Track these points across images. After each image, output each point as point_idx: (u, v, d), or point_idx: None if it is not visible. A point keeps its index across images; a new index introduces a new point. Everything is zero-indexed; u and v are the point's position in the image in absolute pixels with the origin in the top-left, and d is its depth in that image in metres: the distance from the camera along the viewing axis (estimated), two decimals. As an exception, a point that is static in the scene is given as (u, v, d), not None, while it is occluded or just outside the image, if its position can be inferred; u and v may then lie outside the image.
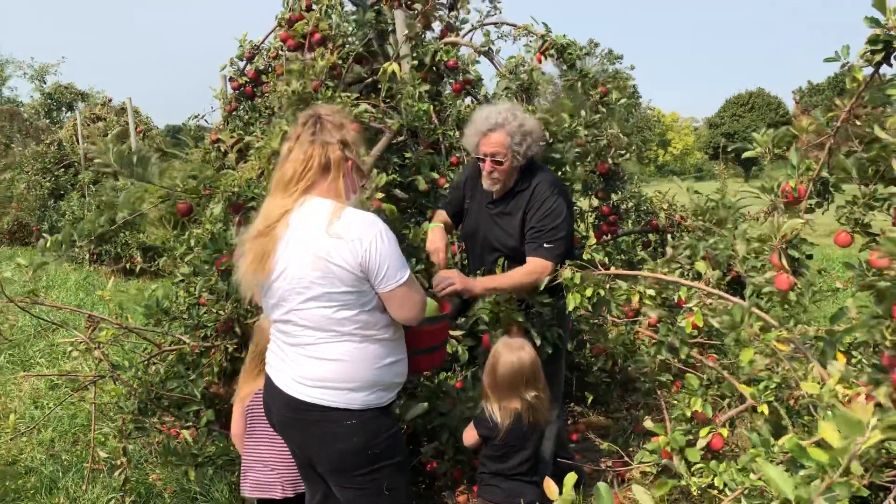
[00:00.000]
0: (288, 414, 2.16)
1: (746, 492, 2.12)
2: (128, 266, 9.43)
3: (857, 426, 1.02)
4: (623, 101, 4.25)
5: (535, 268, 3.01)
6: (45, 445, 4.16)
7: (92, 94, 19.05)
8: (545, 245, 3.03)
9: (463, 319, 3.36)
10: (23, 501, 3.50)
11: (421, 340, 2.38)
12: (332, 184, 2.13)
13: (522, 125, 3.04)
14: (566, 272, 2.82)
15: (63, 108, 20.76)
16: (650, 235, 4.85)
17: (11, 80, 20.96)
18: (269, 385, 2.24)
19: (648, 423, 2.69)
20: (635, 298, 2.69)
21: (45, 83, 20.96)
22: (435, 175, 3.91)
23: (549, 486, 1.46)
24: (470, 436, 2.82)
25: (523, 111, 3.21)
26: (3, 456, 4.06)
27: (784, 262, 1.98)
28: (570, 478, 1.55)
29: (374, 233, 2.05)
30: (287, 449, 2.48)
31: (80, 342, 3.28)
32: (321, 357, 2.10)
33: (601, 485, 1.56)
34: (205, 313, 3.33)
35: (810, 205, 2.07)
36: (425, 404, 3.04)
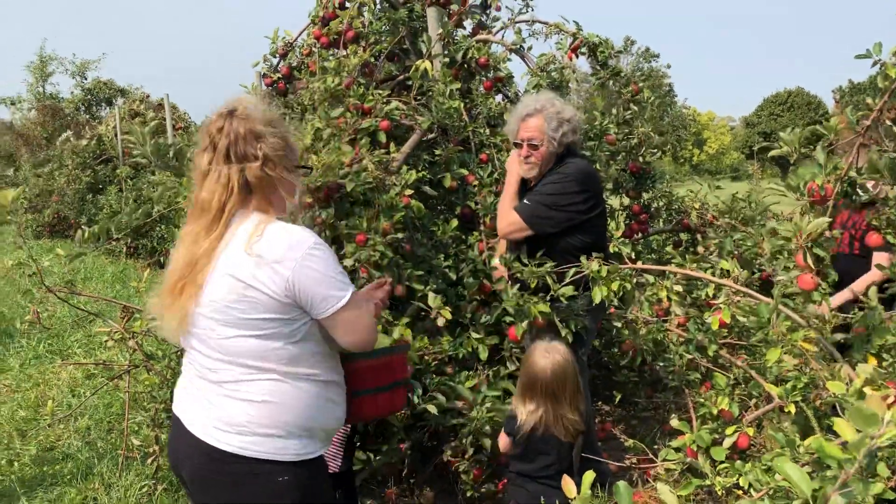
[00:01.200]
0: (207, 468, 1.79)
1: (771, 492, 2.10)
2: (162, 260, 9.60)
3: (871, 419, 1.01)
4: (654, 99, 4.22)
5: (509, 219, 3.14)
6: (81, 433, 4.27)
7: (131, 90, 19.44)
8: (527, 202, 3.11)
9: (487, 317, 3.37)
10: (59, 486, 3.60)
11: (363, 379, 2.03)
12: (260, 201, 1.85)
13: (560, 112, 3.13)
14: (593, 264, 2.82)
15: (102, 104, 21.20)
16: (681, 235, 4.81)
17: (54, 76, 21.39)
18: (179, 430, 1.85)
19: (675, 422, 2.69)
20: (663, 294, 2.69)
21: (85, 79, 21.38)
22: (464, 172, 3.93)
23: (567, 483, 1.47)
24: (501, 437, 2.78)
25: (563, 101, 3.27)
26: (42, 442, 4.17)
27: (809, 261, 1.97)
28: (588, 476, 1.57)
29: (301, 253, 1.74)
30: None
31: (116, 332, 3.37)
32: (243, 398, 1.77)
33: (621, 483, 1.58)
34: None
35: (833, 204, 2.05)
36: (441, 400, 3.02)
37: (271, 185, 1.86)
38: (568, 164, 3.18)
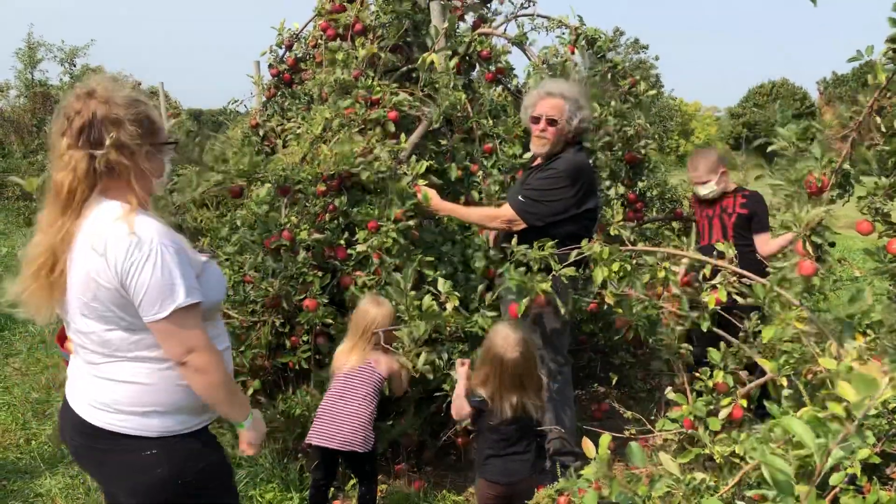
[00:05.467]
0: (81, 441, 1.86)
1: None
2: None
3: (871, 384, 1.16)
4: (652, 91, 4.38)
5: (497, 212, 3.35)
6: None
7: (121, 77, 19.37)
8: (520, 198, 3.27)
9: (490, 293, 3.50)
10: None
11: None
12: (118, 186, 1.80)
13: (578, 100, 3.34)
14: (595, 246, 2.97)
15: (92, 92, 21.05)
16: (674, 223, 4.99)
17: (42, 62, 21.16)
18: (64, 405, 1.92)
19: (671, 394, 2.84)
20: (661, 274, 2.84)
21: (74, 66, 21.23)
22: (468, 163, 4.08)
23: (587, 445, 1.62)
24: (462, 406, 2.79)
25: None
26: (57, 422, 4.28)
27: (808, 249, 2.13)
28: (605, 438, 1.72)
29: (141, 254, 1.72)
30: (352, 406, 2.77)
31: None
32: (111, 378, 1.81)
33: (633, 444, 1.73)
34: (251, 290, 3.52)
35: (832, 196, 2.21)
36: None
37: (129, 170, 1.80)
38: (561, 158, 3.34)
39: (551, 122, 3.29)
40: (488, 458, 2.78)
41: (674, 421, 2.76)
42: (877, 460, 2.05)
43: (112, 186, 1.80)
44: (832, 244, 2.62)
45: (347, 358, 3.02)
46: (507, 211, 3.31)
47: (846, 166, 2.14)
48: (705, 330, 3.06)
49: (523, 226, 3.27)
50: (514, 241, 3.18)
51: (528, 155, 3.92)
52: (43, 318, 1.87)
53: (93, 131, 1.75)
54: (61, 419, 1.95)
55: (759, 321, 2.70)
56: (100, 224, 1.75)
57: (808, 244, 2.26)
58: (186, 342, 1.78)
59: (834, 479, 1.89)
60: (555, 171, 3.31)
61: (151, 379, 1.81)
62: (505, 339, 2.70)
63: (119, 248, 1.71)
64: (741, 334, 2.77)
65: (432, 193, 3.52)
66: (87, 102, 1.76)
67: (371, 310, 3.01)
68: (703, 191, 4.09)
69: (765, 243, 3.98)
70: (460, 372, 2.85)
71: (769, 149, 2.31)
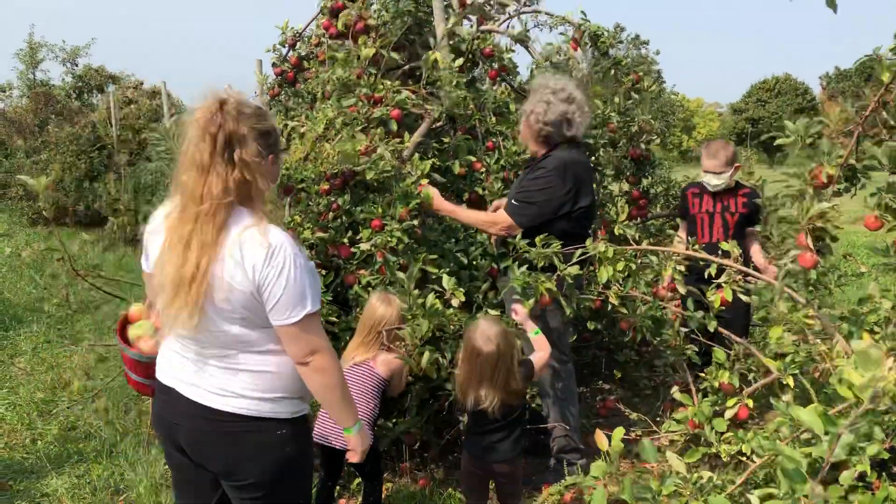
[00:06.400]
0: (204, 426, 1.98)
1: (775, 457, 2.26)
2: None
3: (874, 362, 1.16)
4: (655, 88, 4.37)
5: (496, 218, 3.33)
6: (99, 413, 4.39)
7: (123, 76, 19.36)
8: (514, 202, 3.28)
9: (493, 292, 3.50)
10: (85, 463, 3.74)
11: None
12: (247, 195, 1.93)
13: (543, 94, 3.38)
14: (599, 245, 2.96)
15: (94, 91, 21.09)
16: (678, 219, 4.97)
17: (44, 63, 21.18)
18: (173, 399, 2.03)
19: (677, 394, 2.84)
20: (667, 273, 2.84)
21: (76, 66, 21.23)
22: (472, 159, 4.07)
23: (600, 438, 1.62)
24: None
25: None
26: (62, 422, 4.30)
27: (810, 241, 2.12)
28: (619, 431, 1.72)
29: (278, 261, 1.88)
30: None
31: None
32: (244, 368, 1.97)
33: (646, 441, 1.73)
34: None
35: (838, 189, 2.20)
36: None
37: (256, 180, 1.91)
38: (550, 156, 3.35)
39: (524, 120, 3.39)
40: (470, 434, 2.87)
41: (679, 422, 2.76)
42: (886, 456, 2.04)
43: (241, 195, 1.91)
44: (835, 239, 2.61)
45: (352, 355, 3.02)
46: (505, 218, 3.31)
47: (852, 161, 2.13)
48: (712, 331, 3.05)
49: (520, 230, 3.25)
50: (519, 237, 3.18)
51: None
52: (189, 326, 1.89)
53: (227, 144, 1.86)
54: (166, 413, 2.05)
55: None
56: (235, 232, 1.87)
57: (809, 237, 2.25)
58: (310, 344, 1.94)
59: (844, 476, 1.89)
60: (544, 170, 3.30)
61: (280, 368, 1.99)
62: (482, 333, 2.71)
63: (257, 257, 1.85)
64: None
65: (434, 193, 3.51)
66: (220, 116, 1.86)
67: (379, 308, 3.00)
68: (715, 181, 4.02)
69: (758, 252, 4.00)
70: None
71: (775, 142, 2.30)
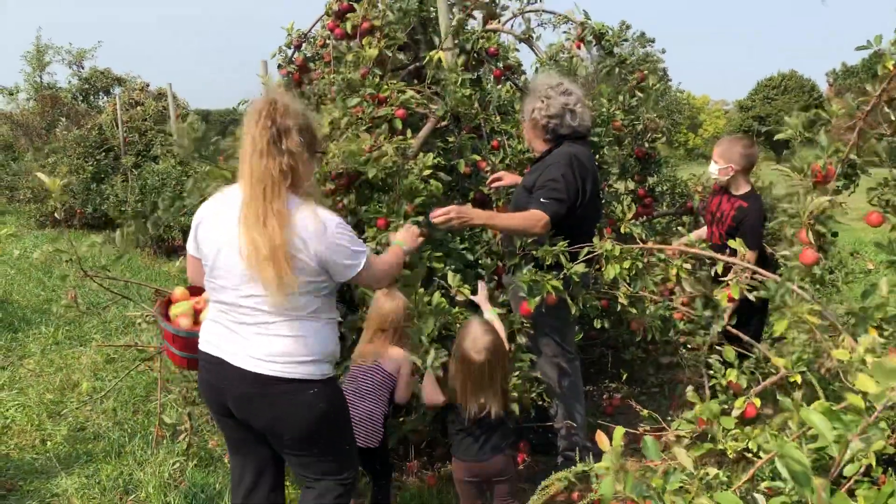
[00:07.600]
0: (250, 390, 2.24)
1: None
2: (169, 246, 9.77)
3: (891, 374, 1.15)
4: (659, 86, 4.36)
5: (532, 216, 3.20)
6: (108, 414, 4.42)
7: (128, 79, 19.45)
8: (542, 200, 3.22)
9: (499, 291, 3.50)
10: (94, 464, 3.75)
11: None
12: (295, 182, 2.24)
13: (540, 91, 3.42)
14: (606, 244, 2.96)
15: (100, 93, 21.19)
16: (684, 217, 4.97)
17: (51, 65, 21.32)
18: (220, 367, 2.28)
19: (690, 394, 2.84)
20: (673, 271, 2.84)
21: (82, 68, 21.31)
22: (477, 158, 4.07)
23: (601, 439, 1.62)
24: (434, 392, 2.86)
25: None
26: (71, 423, 4.32)
27: (811, 237, 2.11)
28: (619, 431, 1.72)
29: (330, 232, 2.23)
30: (359, 406, 2.87)
31: (148, 315, 3.52)
32: (283, 334, 2.22)
33: (648, 438, 1.73)
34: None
35: (838, 186, 2.20)
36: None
37: (299, 172, 2.24)
38: (552, 153, 3.35)
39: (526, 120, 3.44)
40: (458, 434, 2.84)
41: (689, 421, 2.75)
42: (892, 451, 2.04)
43: (290, 181, 2.20)
44: (835, 234, 2.60)
45: (362, 353, 3.03)
46: (541, 214, 3.17)
47: (853, 156, 2.13)
48: (720, 330, 3.04)
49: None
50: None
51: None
52: (280, 295, 2.15)
53: (279, 139, 2.17)
54: (214, 379, 2.32)
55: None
56: (290, 212, 2.16)
57: (810, 233, 2.25)
58: (385, 276, 2.49)
59: (848, 470, 1.88)
60: (554, 164, 3.27)
61: (315, 333, 2.26)
62: (474, 341, 2.70)
63: (313, 232, 2.16)
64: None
65: (468, 209, 3.27)
66: (274, 113, 2.18)
67: (385, 304, 3.02)
68: (710, 168, 3.98)
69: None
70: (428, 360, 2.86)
71: (776, 137, 2.30)
